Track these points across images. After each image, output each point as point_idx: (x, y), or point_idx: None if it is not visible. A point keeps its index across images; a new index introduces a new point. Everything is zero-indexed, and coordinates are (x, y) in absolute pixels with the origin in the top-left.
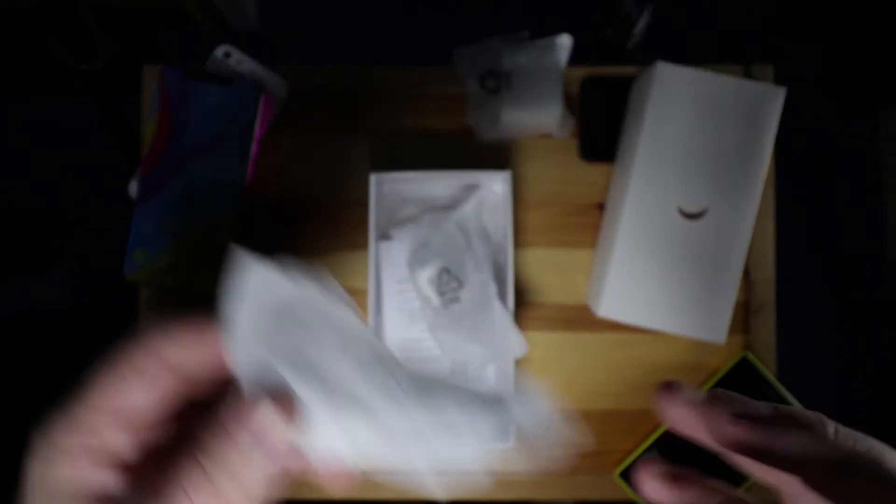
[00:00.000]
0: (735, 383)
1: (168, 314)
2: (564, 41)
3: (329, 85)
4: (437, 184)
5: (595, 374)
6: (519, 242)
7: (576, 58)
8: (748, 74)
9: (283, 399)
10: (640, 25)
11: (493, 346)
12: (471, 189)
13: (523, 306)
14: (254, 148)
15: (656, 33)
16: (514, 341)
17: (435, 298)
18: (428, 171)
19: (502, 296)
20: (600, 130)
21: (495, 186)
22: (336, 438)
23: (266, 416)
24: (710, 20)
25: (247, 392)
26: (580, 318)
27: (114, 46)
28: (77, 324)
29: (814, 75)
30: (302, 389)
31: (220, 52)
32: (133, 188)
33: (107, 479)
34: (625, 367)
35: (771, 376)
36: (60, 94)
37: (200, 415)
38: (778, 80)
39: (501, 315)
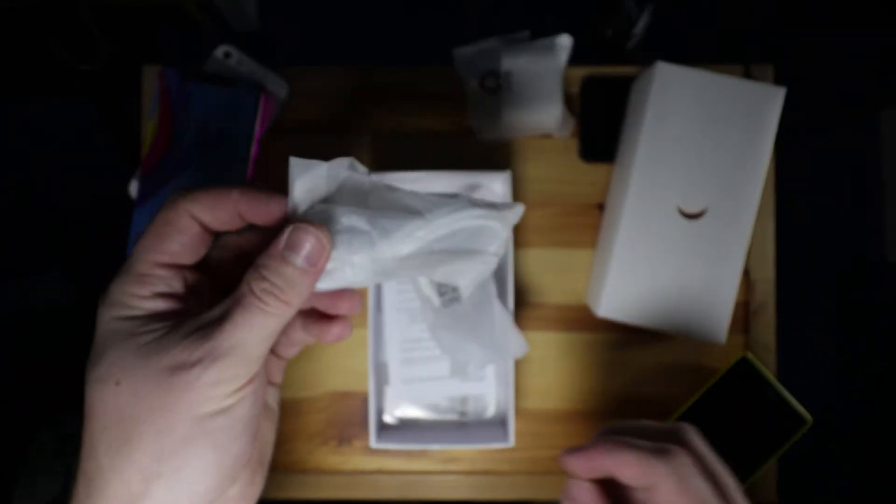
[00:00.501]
0: (735, 383)
1: (192, 187)
2: (564, 41)
3: (329, 85)
4: (437, 184)
5: (595, 374)
6: (519, 242)
7: (576, 58)
8: (748, 74)
9: (325, 232)
10: (640, 25)
11: (493, 346)
12: (471, 189)
13: (523, 306)
14: (254, 148)
15: (656, 33)
16: (514, 341)
17: (435, 299)
18: (428, 172)
19: (502, 296)
20: (600, 130)
21: (495, 186)
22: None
23: (317, 242)
24: (710, 20)
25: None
26: (580, 318)
27: (114, 46)
28: (77, 324)
29: (814, 75)
30: (345, 219)
31: (220, 52)
32: (133, 188)
33: (180, 309)
34: (624, 368)
35: (771, 376)
36: (60, 94)
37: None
38: (778, 80)
39: (501, 315)
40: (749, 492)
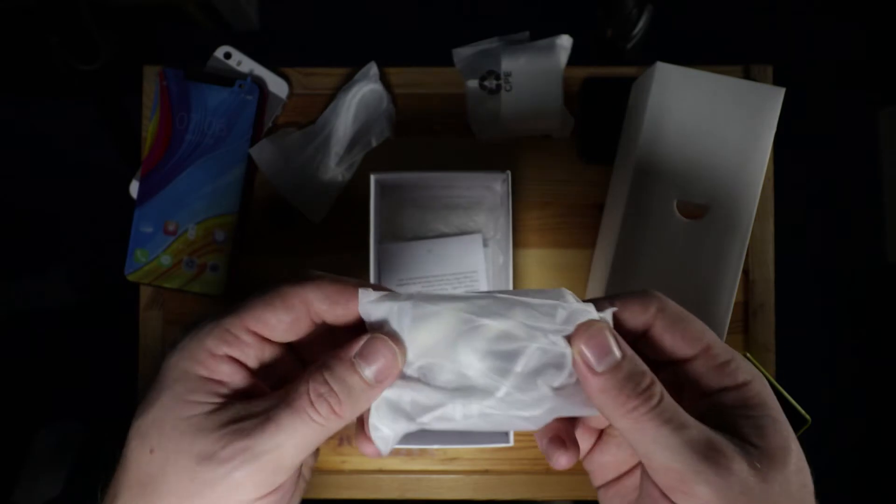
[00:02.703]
0: None
1: (324, 274)
2: (564, 41)
3: (329, 85)
4: (437, 184)
5: None
6: (519, 242)
7: (576, 58)
8: (748, 74)
9: (399, 349)
10: (640, 25)
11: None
12: (472, 189)
13: None
14: None
15: (656, 33)
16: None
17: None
18: (428, 172)
19: None
20: (600, 131)
21: (495, 187)
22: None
23: (392, 359)
24: (710, 20)
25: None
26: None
27: (114, 46)
28: (77, 324)
29: (814, 75)
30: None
31: (220, 52)
32: (133, 188)
33: (242, 383)
34: None
35: (770, 376)
36: (60, 94)
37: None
38: (778, 81)
39: None
40: None
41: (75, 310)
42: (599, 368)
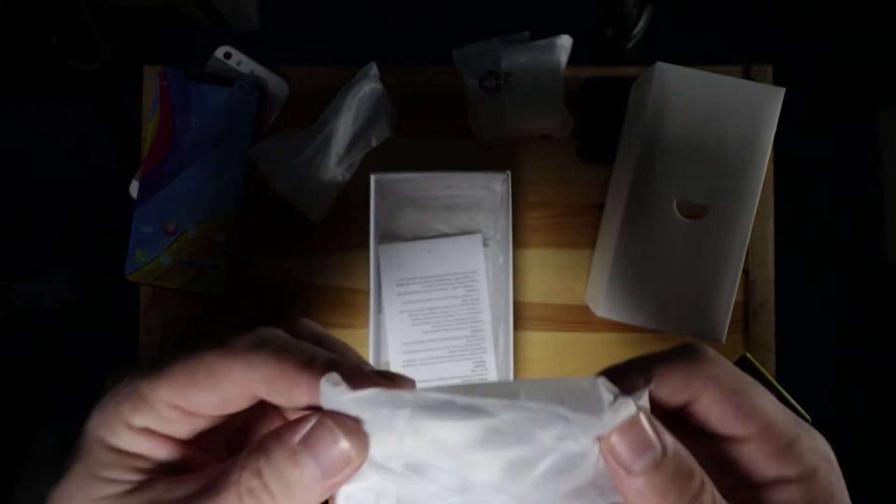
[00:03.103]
0: None
1: (264, 344)
2: (564, 41)
3: (329, 85)
4: (437, 184)
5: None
6: (519, 242)
7: (576, 58)
8: (748, 74)
9: (361, 442)
10: (640, 25)
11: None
12: (472, 189)
13: (523, 306)
14: None
15: (656, 33)
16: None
17: None
18: (428, 172)
19: (503, 296)
20: (600, 131)
21: (495, 187)
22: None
23: (344, 452)
24: (710, 20)
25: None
26: (580, 319)
27: (114, 46)
28: (77, 323)
29: (814, 75)
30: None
31: (220, 52)
32: (133, 188)
33: (169, 456)
34: None
35: (770, 376)
36: (60, 94)
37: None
38: (778, 80)
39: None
40: None
41: (75, 310)
42: (636, 468)
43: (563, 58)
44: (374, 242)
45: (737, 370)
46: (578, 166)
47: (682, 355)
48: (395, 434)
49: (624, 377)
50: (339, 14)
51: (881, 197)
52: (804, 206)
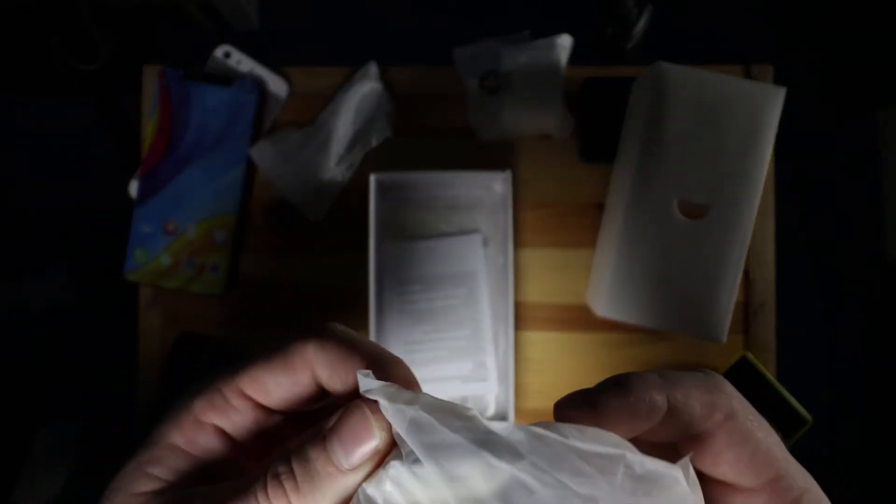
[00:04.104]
0: (735, 383)
1: (328, 329)
2: (564, 41)
3: (329, 85)
4: (437, 184)
5: (595, 374)
6: (519, 242)
7: (576, 58)
8: (748, 74)
9: (384, 424)
10: (640, 25)
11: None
12: (472, 189)
13: (523, 306)
14: None
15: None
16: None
17: None
18: (428, 172)
19: (503, 296)
20: (600, 131)
21: (495, 186)
22: None
23: (369, 433)
24: (710, 20)
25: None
26: (580, 318)
27: (114, 46)
28: (77, 324)
29: (814, 75)
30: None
31: (220, 52)
32: (133, 188)
33: (217, 455)
34: (625, 367)
35: (770, 376)
36: (60, 94)
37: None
38: (778, 80)
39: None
40: None
41: (75, 310)
42: None
43: (563, 57)
44: (374, 242)
45: (751, 407)
46: (578, 166)
47: (704, 381)
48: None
49: (642, 395)
50: (339, 14)
51: (881, 197)
52: (804, 207)
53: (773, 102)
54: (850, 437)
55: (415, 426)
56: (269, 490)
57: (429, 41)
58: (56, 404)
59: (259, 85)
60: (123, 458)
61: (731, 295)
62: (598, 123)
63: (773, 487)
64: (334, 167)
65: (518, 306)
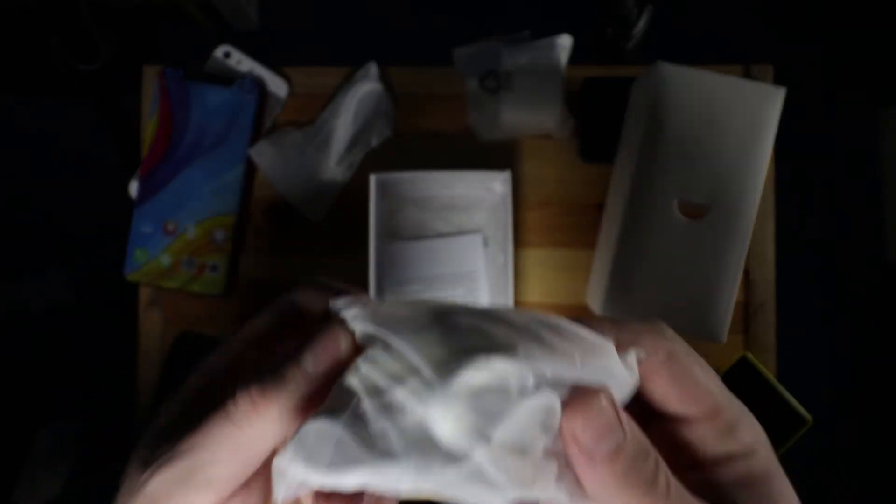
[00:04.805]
0: (735, 383)
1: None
2: (564, 41)
3: (329, 85)
4: (437, 184)
5: None
6: (519, 242)
7: (576, 58)
8: (748, 74)
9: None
10: (640, 25)
11: None
12: (472, 189)
13: (523, 306)
14: None
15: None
16: None
17: None
18: (428, 172)
19: (503, 296)
20: (600, 131)
21: (495, 186)
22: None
23: (335, 344)
24: (710, 20)
25: None
26: (580, 318)
27: (114, 46)
28: (77, 324)
29: (814, 75)
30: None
31: (220, 52)
32: (133, 188)
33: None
34: None
35: (770, 376)
36: (60, 94)
37: None
38: (778, 80)
39: None
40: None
41: (75, 310)
42: (599, 455)
43: (564, 57)
44: (374, 242)
45: (691, 349)
46: (579, 166)
47: (648, 326)
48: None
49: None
50: (339, 14)
51: (881, 197)
52: (804, 207)
53: (773, 102)
54: (850, 437)
55: (379, 316)
56: (239, 394)
57: (429, 41)
58: (56, 404)
59: (259, 85)
60: (123, 459)
61: (731, 295)
62: (598, 123)
63: (712, 417)
64: (334, 167)
65: (518, 306)
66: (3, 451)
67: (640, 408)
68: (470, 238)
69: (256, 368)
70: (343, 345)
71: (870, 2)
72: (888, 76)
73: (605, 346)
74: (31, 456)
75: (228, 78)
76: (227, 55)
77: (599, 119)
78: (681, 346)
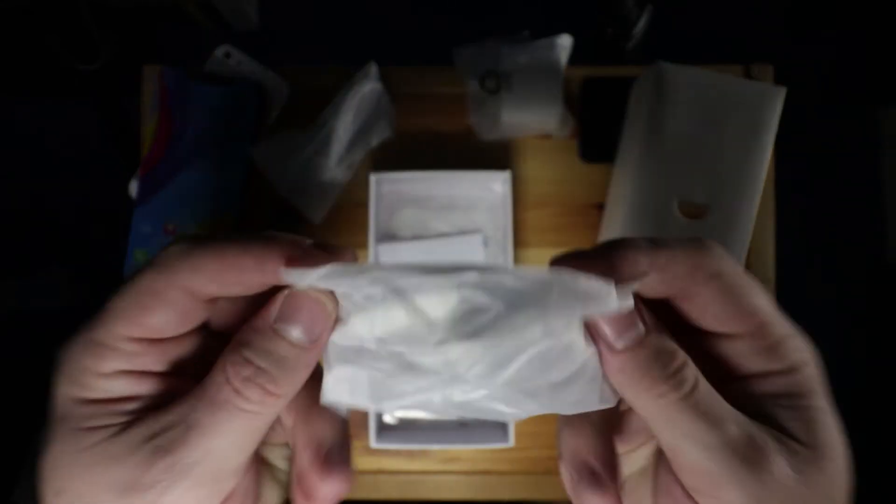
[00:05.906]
0: None
1: (195, 245)
2: (564, 41)
3: (329, 85)
4: (437, 184)
5: None
6: (519, 242)
7: (576, 58)
8: (748, 74)
9: (329, 297)
10: (640, 25)
11: None
12: (472, 189)
13: None
14: None
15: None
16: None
17: None
18: (428, 172)
19: None
20: (600, 130)
21: (495, 186)
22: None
23: (319, 307)
24: (710, 20)
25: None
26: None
27: (114, 46)
28: (77, 324)
29: (814, 75)
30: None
31: (220, 52)
32: (133, 188)
33: (152, 390)
34: None
35: None
36: (60, 94)
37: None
38: (778, 80)
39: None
40: None
41: (75, 310)
42: (619, 345)
43: (563, 57)
44: (374, 242)
45: (740, 267)
46: (579, 166)
47: (690, 245)
48: (367, 314)
49: (627, 255)
50: (339, 14)
51: (881, 197)
52: (804, 207)
53: (773, 102)
54: (849, 436)
55: (367, 274)
56: (245, 391)
57: (429, 41)
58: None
59: (259, 85)
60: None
61: None
62: (598, 123)
63: (756, 333)
64: (334, 167)
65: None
66: (3, 451)
67: (677, 324)
68: (470, 238)
69: (242, 355)
70: (331, 309)
71: (870, 2)
72: (888, 76)
73: (606, 290)
74: (31, 456)
75: (228, 78)
76: (227, 55)
77: (599, 119)
78: (726, 265)
